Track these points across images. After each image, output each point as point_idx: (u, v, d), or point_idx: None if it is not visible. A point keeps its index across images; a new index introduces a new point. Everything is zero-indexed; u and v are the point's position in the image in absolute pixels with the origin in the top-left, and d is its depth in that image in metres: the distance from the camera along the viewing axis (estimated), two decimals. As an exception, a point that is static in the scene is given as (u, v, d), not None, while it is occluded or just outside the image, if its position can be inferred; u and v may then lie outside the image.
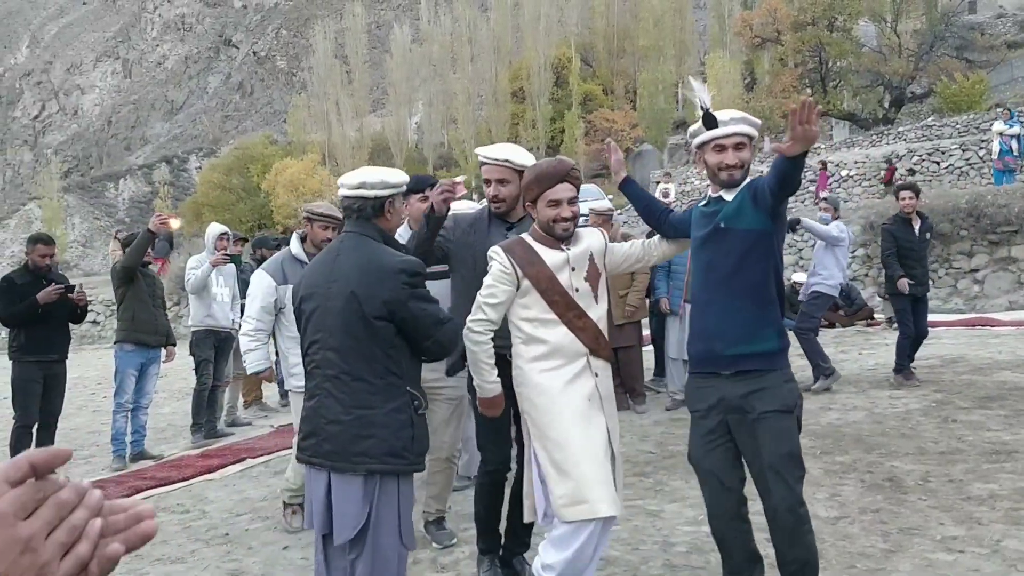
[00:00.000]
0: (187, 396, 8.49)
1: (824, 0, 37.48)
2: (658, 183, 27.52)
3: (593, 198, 23.92)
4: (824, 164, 25.01)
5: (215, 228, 8.21)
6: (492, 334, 3.35)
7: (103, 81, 76.81)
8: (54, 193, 49.96)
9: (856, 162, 25.08)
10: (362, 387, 2.98)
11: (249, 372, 5.23)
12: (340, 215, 4.98)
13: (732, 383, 3.19)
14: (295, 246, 5.14)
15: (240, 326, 8.18)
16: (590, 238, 3.48)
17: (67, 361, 7.06)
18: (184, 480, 6.54)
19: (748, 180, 3.25)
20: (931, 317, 12.74)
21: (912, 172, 23.13)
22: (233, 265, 8.17)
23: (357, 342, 3.00)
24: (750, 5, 46.97)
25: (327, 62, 54.47)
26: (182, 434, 8.41)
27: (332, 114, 52.28)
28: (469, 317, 3.36)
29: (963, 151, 22.87)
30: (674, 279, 7.76)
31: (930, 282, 8.66)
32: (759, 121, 3.26)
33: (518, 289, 3.32)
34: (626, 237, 7.84)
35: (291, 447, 7.06)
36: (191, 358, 8.10)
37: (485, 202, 4.07)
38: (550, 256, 3.34)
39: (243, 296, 8.49)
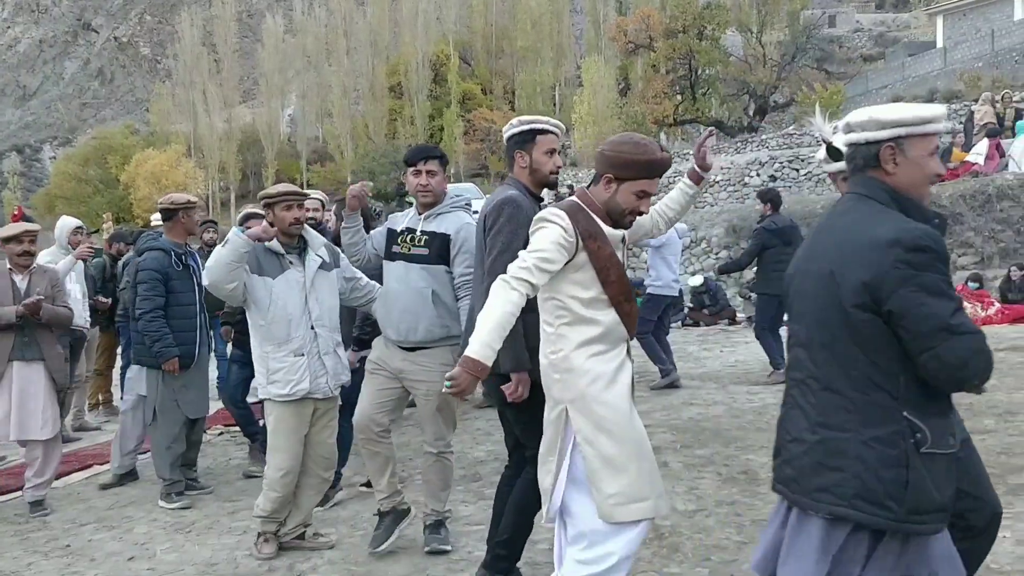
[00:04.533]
0: (31, 398, 7.97)
1: (694, 9, 38.73)
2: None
3: (474, 196, 23.94)
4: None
5: (68, 222, 7.81)
6: (524, 299, 2.84)
7: (-53, 62, 71.81)
8: None
9: (722, 168, 25.97)
10: (833, 400, 2.29)
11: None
12: (301, 192, 4.49)
13: None
14: None
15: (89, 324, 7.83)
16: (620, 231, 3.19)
17: None
18: (23, 488, 6.10)
19: None
20: (785, 316, 13.36)
21: (773, 179, 24.14)
22: (82, 262, 7.71)
23: (831, 339, 2.29)
24: (625, 11, 48.09)
25: (194, 50, 52.64)
26: (24, 438, 7.88)
27: (199, 104, 50.57)
28: (513, 269, 2.86)
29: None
30: None
31: None
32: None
33: (571, 260, 2.91)
34: None
35: (145, 453, 6.73)
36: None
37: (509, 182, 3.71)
38: (609, 232, 3.00)
39: (92, 295, 8.05)
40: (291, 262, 4.41)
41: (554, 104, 49.95)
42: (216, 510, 5.40)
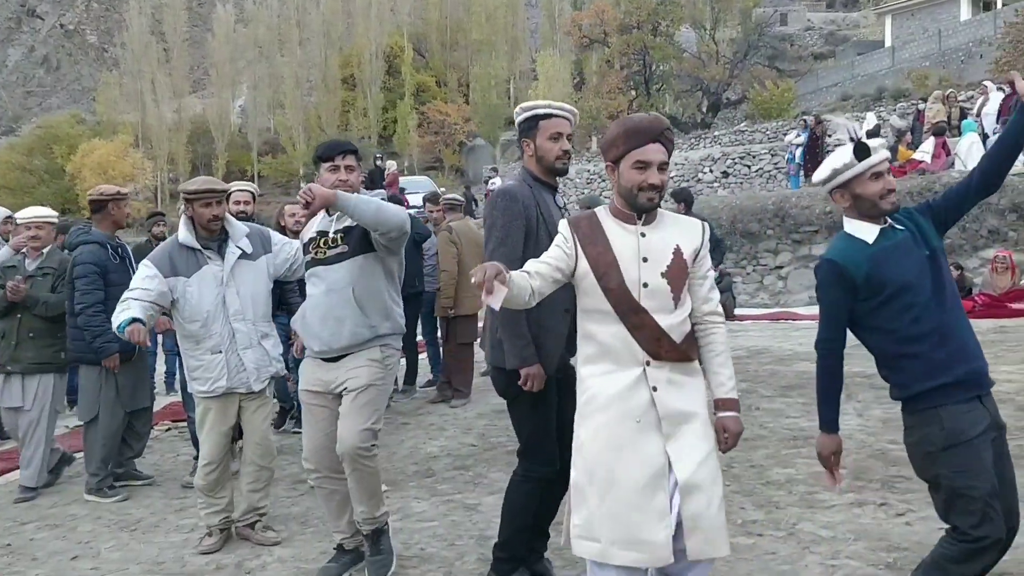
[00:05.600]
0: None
1: (649, 5, 38.94)
2: (489, 178, 27.81)
3: (424, 190, 23.73)
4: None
5: None
6: (525, 276, 2.76)
7: None
8: None
9: (676, 164, 26.17)
10: None
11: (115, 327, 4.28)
12: (221, 187, 4.46)
13: (989, 401, 2.86)
14: (183, 232, 4.38)
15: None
16: (684, 228, 2.92)
17: None
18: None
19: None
20: (738, 311, 13.50)
21: (726, 175, 24.43)
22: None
23: None
24: (579, 6, 48.18)
25: (143, 38, 51.53)
26: (-37, 435, 7.65)
27: (147, 94, 49.56)
28: None
29: (772, 156, 24.33)
30: None
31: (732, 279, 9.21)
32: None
33: (575, 269, 2.84)
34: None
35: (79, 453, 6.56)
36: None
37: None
38: (620, 239, 2.83)
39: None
40: (209, 257, 4.37)
41: (508, 97, 49.86)
42: (163, 507, 5.30)
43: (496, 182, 26.66)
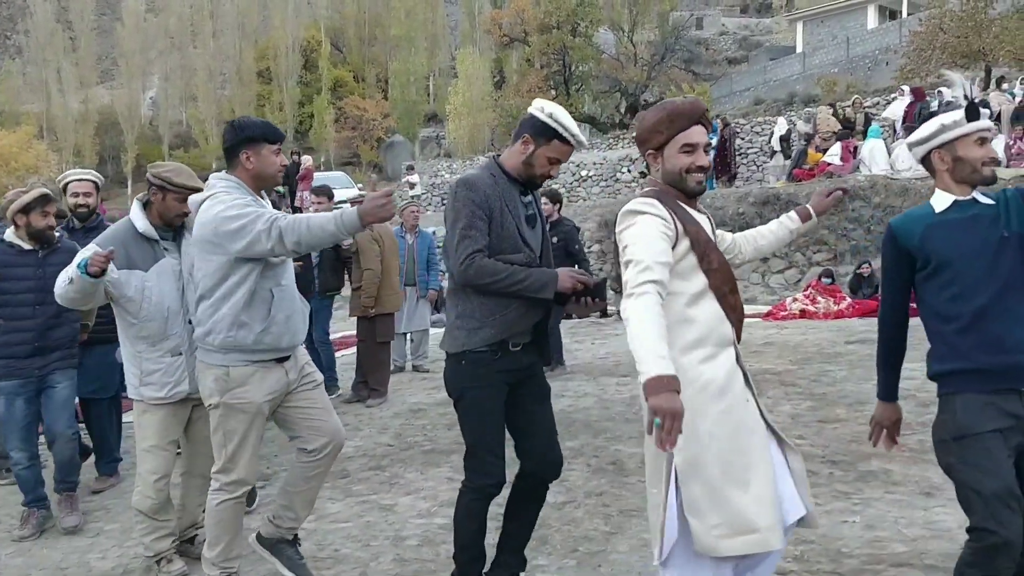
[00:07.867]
0: None
1: (568, 5, 39.27)
2: (407, 175, 27.62)
3: (341, 186, 23.32)
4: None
5: None
6: (659, 298, 2.48)
7: None
8: None
9: (595, 163, 26.50)
10: None
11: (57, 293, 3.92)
12: (200, 184, 3.93)
13: None
14: (141, 221, 3.93)
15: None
16: (703, 216, 2.87)
17: None
18: None
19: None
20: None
21: (644, 175, 24.79)
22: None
23: None
24: (499, 4, 48.29)
25: (48, 26, 49.77)
26: None
27: (53, 83, 47.91)
28: (633, 279, 2.50)
29: (687, 156, 24.84)
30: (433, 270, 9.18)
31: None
32: None
33: (673, 249, 2.63)
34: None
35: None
36: None
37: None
38: (699, 219, 2.74)
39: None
40: (166, 249, 3.96)
41: (428, 94, 49.70)
42: (65, 513, 5.10)
43: (415, 179, 26.52)
